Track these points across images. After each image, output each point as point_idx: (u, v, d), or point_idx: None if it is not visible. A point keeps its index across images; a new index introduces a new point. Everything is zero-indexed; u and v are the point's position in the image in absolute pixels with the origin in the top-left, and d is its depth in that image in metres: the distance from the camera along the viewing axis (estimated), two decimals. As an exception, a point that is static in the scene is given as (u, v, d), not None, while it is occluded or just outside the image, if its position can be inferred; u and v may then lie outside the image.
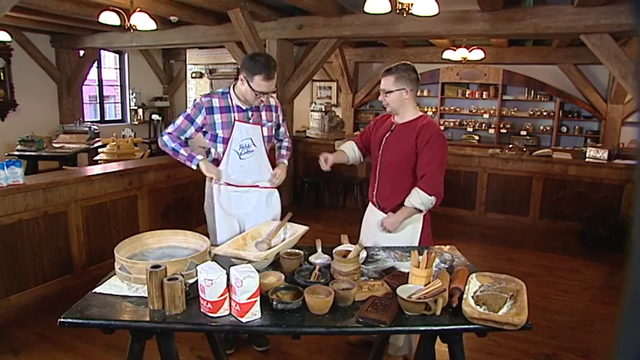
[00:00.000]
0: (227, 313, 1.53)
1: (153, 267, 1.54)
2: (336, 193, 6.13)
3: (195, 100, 2.40)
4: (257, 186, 2.52)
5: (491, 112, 7.66)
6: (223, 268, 1.54)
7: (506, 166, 5.37)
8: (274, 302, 1.53)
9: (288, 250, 1.99)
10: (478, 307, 1.58)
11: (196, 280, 1.60)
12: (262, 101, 2.39)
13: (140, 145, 7.67)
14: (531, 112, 7.36)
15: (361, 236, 2.58)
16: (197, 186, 4.31)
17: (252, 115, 2.43)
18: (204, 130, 2.41)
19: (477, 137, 7.77)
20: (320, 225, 5.19)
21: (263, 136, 2.48)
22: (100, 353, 2.56)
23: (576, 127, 7.18)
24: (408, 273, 1.89)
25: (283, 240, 2.23)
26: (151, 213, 3.87)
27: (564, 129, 7.22)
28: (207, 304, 1.50)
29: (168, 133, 2.43)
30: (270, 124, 2.52)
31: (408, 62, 2.31)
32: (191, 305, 1.57)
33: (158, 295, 1.52)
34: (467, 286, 1.71)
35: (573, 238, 4.92)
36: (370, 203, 2.57)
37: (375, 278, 1.90)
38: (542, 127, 7.35)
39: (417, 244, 2.37)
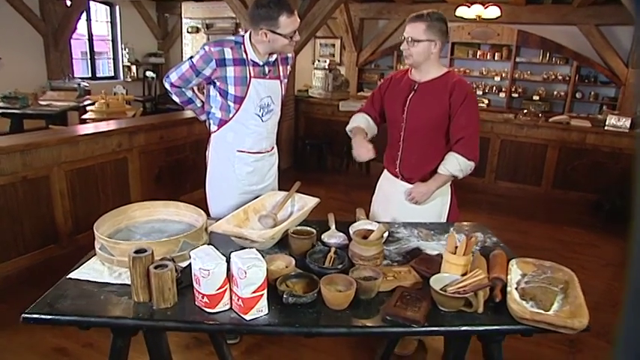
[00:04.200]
0: (227, 307, 1.26)
1: (137, 251, 1.25)
2: (340, 155, 5.86)
3: (203, 46, 2.00)
4: (271, 149, 2.24)
5: (503, 74, 7.24)
6: (223, 255, 1.26)
7: (521, 133, 5.06)
8: (285, 295, 1.26)
9: (298, 228, 1.71)
10: (524, 302, 1.32)
11: (190, 264, 1.32)
12: (296, 42, 2.03)
13: (133, 104, 7.29)
14: (545, 76, 6.95)
15: (375, 210, 2.32)
16: (192, 148, 4.06)
17: (269, 70, 2.08)
18: (213, 81, 2.05)
19: (485, 101, 7.39)
20: (322, 190, 4.97)
21: (281, 93, 2.17)
22: (90, 332, 2.31)
23: (592, 92, 6.79)
24: (437, 256, 1.63)
25: (291, 214, 1.96)
26: (143, 177, 3.58)
27: (579, 95, 6.84)
28: (203, 297, 1.23)
29: (172, 84, 2.08)
30: (286, 80, 2.20)
31: (440, 12, 1.97)
32: (184, 295, 1.30)
33: (144, 286, 1.25)
34: (508, 276, 1.44)
35: (587, 210, 4.68)
36: (387, 173, 2.27)
37: (399, 262, 1.63)
38: (555, 93, 6.96)
39: (445, 219, 2.14)
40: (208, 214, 2.18)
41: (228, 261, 1.25)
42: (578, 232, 4.13)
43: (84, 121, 4.28)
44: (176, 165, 3.98)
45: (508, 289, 1.36)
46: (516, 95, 7.22)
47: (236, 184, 2.15)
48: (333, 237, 1.74)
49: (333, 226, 1.83)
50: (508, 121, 5.12)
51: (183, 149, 4.04)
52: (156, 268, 1.24)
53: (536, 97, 6.97)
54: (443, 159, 2.01)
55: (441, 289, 1.33)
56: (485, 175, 5.27)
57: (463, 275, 1.39)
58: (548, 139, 4.92)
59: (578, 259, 3.52)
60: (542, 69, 7.05)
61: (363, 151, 2.02)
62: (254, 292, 1.21)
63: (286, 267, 1.46)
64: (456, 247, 1.44)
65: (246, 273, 1.18)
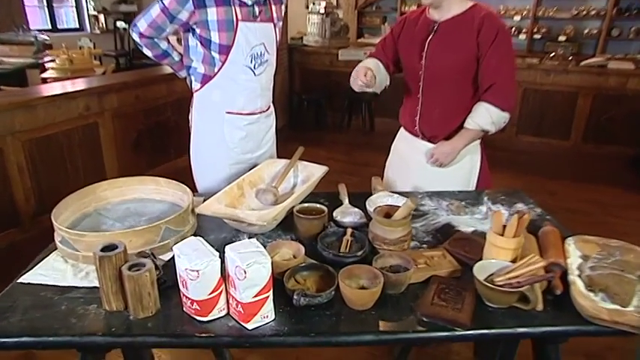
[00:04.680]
0: (224, 313, 1.09)
1: (104, 248, 1.06)
2: (340, 111, 5.69)
3: None
4: (268, 109, 2.04)
5: (524, 12, 6.85)
6: (215, 250, 1.07)
7: (546, 80, 4.84)
8: (295, 296, 1.08)
9: (305, 205, 1.53)
10: (592, 294, 1.15)
11: (174, 257, 1.14)
12: None
13: (104, 59, 6.91)
14: (575, 12, 6.55)
15: (390, 176, 2.17)
16: (174, 108, 3.83)
17: (260, 10, 1.84)
18: (192, 28, 1.81)
19: (504, 44, 7.03)
20: (322, 150, 4.87)
21: (276, 40, 1.95)
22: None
23: (632, 28, 6.34)
24: (474, 234, 1.49)
25: (294, 186, 1.79)
26: (118, 144, 3.38)
27: (616, 32, 6.43)
28: (192, 304, 1.05)
29: (142, 34, 1.82)
30: (280, 23, 1.98)
31: None
32: (169, 299, 1.13)
33: (116, 291, 1.07)
34: (567, 260, 1.27)
35: (625, 166, 4.51)
36: (404, 132, 2.09)
37: (429, 243, 1.46)
38: (586, 31, 6.57)
39: (474, 184, 2.00)
40: (195, 190, 2.02)
41: (222, 255, 1.06)
42: (616, 191, 3.98)
43: (45, 81, 4.00)
44: (156, 128, 3.77)
45: (570, 277, 1.19)
46: (539, 36, 6.84)
47: (227, 153, 1.96)
48: (347, 214, 1.57)
49: (345, 201, 1.66)
50: (532, 67, 4.90)
51: (163, 110, 3.81)
52: (130, 268, 1.06)
53: (562, 38, 6.60)
54: (471, 111, 1.84)
55: (486, 280, 1.17)
56: (504, 129, 5.04)
57: (513, 261, 1.22)
58: (579, 86, 4.70)
59: (619, 224, 3.37)
60: (571, 3, 6.62)
61: (359, 73, 1.81)
62: (257, 296, 1.03)
63: (294, 256, 1.29)
64: (504, 227, 1.26)
65: (245, 273, 1.00)
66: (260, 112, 1.98)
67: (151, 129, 3.71)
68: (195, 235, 1.45)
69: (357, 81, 1.82)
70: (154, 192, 1.67)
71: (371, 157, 4.43)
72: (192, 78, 1.94)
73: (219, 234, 1.48)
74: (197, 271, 1.00)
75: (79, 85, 3.18)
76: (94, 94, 3.11)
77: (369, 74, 1.81)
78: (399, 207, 1.40)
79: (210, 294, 1.04)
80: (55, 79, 3.85)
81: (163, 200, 1.65)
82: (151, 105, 3.68)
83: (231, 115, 1.92)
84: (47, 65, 4.18)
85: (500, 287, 1.12)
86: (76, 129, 3.00)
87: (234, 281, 1.03)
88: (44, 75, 4.12)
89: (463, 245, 1.39)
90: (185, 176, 2.03)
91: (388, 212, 1.41)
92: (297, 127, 5.71)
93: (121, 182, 1.64)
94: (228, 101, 1.90)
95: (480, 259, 1.26)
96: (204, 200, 1.50)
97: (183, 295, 1.07)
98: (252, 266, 1.01)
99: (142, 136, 3.63)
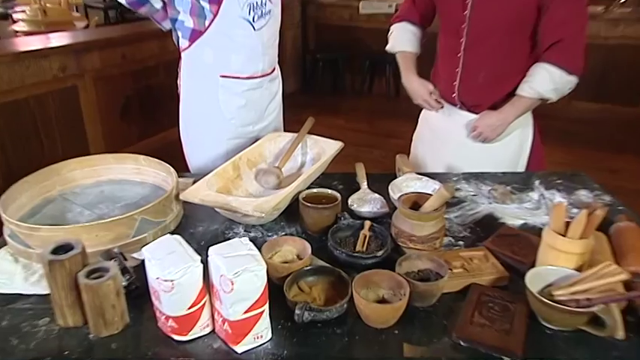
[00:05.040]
0: (208, 330, 0.99)
1: (56, 250, 0.95)
2: (360, 73, 5.63)
3: None
4: (272, 72, 1.94)
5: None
6: (196, 252, 0.95)
7: (613, 32, 4.65)
8: (298, 311, 0.97)
9: (315, 191, 1.42)
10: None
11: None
12: None
13: (90, 12, 6.80)
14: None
15: (418, 153, 2.08)
16: (167, 69, 3.74)
17: None
18: None
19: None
20: (340, 119, 4.81)
21: None
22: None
23: None
24: (524, 229, 1.38)
25: (302, 166, 1.71)
26: (102, 111, 3.34)
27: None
28: (167, 320, 0.94)
29: None
30: None
31: None
32: (141, 311, 1.03)
33: (72, 303, 0.96)
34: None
35: None
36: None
37: (467, 240, 1.35)
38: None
39: (524, 165, 1.90)
40: (187, 169, 1.95)
41: (204, 261, 0.94)
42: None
43: (15, 35, 3.93)
44: (147, 93, 3.73)
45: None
46: (602, -19, 6.53)
47: (223, 126, 1.86)
48: (365, 202, 1.46)
49: (364, 185, 1.56)
50: (594, 18, 4.68)
51: (155, 72, 3.76)
52: (89, 274, 0.95)
53: (630, -18, 6.29)
54: (526, 75, 1.72)
55: (542, 292, 1.03)
56: (558, 95, 4.91)
57: (578, 269, 1.07)
58: (657, 39, 4.49)
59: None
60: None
61: (423, 92, 1.90)
62: (248, 312, 0.91)
63: (298, 257, 1.17)
64: (567, 223, 1.11)
65: (233, 284, 0.88)
66: (262, 76, 1.86)
67: (141, 94, 3.67)
68: (179, 226, 1.37)
69: (424, 104, 1.94)
70: (134, 172, 1.59)
71: (396, 127, 4.32)
72: (179, 34, 1.83)
73: (210, 225, 1.39)
74: (171, 281, 0.89)
75: (53, 40, 3.12)
76: (70, 52, 3.04)
77: (438, 99, 1.90)
78: (429, 195, 1.26)
79: (189, 308, 0.93)
80: (27, 34, 3.79)
81: (144, 182, 1.58)
82: (141, 66, 3.63)
83: (227, 80, 1.81)
84: (16, 17, 4.10)
85: (563, 305, 0.98)
86: (50, 93, 2.95)
87: (219, 293, 0.91)
88: (15, 28, 4.05)
89: (510, 244, 1.27)
90: (181, 149, 1.96)
91: (416, 202, 1.28)
92: (311, 92, 5.67)
93: (94, 160, 1.57)
94: (223, 62, 1.79)
95: (533, 264, 1.13)
96: (194, 182, 1.40)
97: (157, 309, 0.96)
98: (242, 275, 0.88)
99: (130, 103, 3.58)
